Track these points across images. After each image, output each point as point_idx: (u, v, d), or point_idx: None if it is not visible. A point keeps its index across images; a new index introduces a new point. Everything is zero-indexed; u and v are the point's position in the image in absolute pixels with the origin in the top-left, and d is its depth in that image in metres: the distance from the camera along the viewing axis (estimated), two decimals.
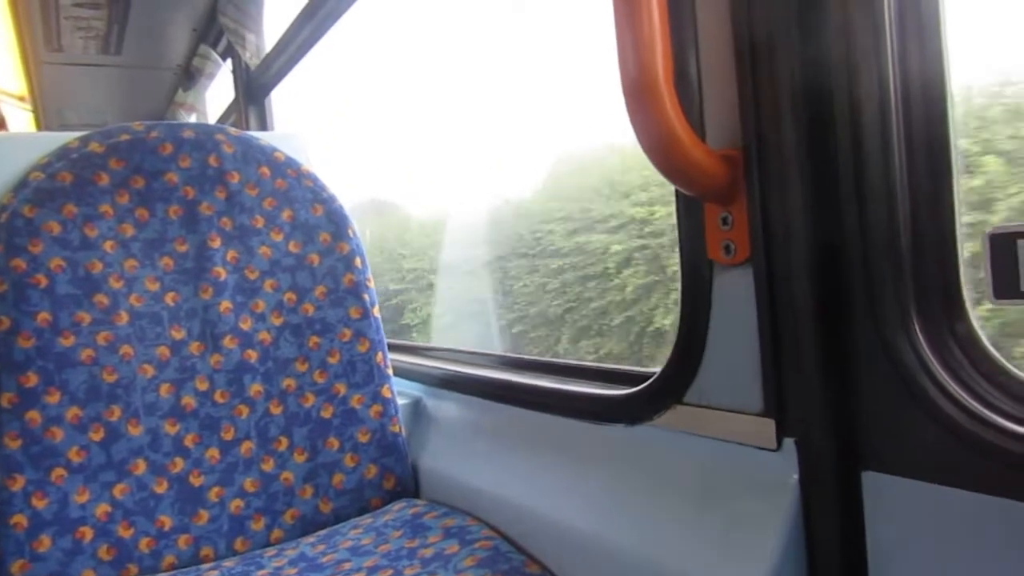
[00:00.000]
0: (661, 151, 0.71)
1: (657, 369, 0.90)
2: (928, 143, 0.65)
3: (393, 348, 1.45)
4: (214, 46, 2.74)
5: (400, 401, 1.38)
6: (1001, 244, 0.60)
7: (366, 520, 1.21)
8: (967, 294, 0.64)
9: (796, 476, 0.72)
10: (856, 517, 0.69)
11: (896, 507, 0.66)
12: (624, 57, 0.68)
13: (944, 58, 0.64)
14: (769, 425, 0.74)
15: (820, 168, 0.69)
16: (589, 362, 1.15)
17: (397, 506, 1.23)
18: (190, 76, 3.06)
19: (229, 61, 2.63)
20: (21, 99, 3.68)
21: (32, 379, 1.12)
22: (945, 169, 0.65)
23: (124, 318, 1.20)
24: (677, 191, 0.80)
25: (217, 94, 3.26)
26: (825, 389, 0.70)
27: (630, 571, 0.85)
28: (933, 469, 0.63)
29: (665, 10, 0.68)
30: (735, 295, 0.76)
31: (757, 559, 0.73)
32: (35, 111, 3.72)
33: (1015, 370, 0.62)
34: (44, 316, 1.15)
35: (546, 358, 1.27)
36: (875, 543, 0.68)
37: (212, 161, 1.32)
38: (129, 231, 1.25)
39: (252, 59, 2.35)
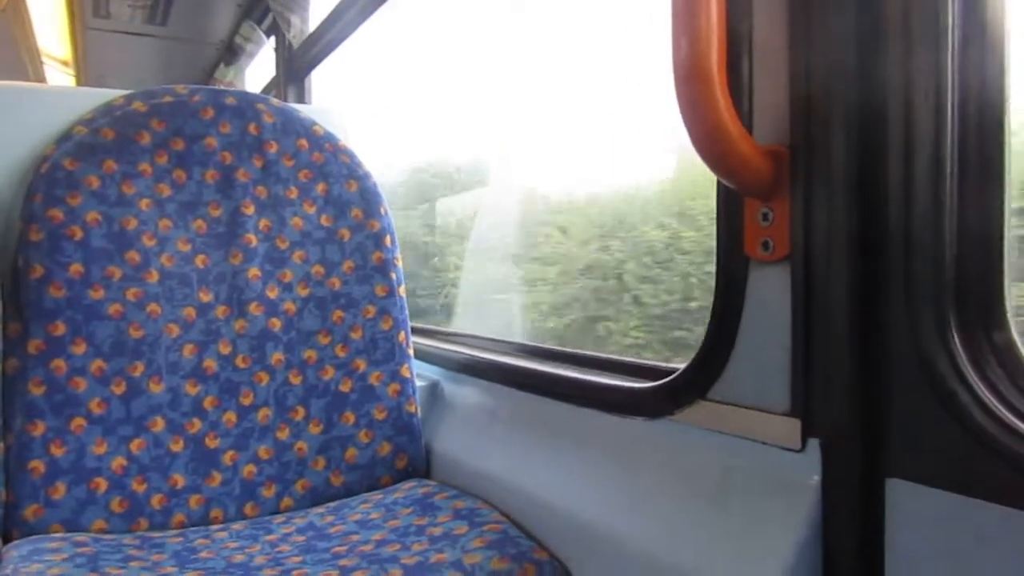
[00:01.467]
0: (707, 141, 0.71)
1: (681, 364, 0.90)
2: (981, 151, 0.64)
3: (414, 331, 1.46)
4: (259, 23, 2.77)
5: (418, 383, 1.38)
6: None
7: (376, 496, 1.21)
8: (1009, 304, 0.63)
9: (818, 478, 0.71)
10: (877, 524, 0.68)
11: (919, 516, 0.65)
12: (678, 43, 0.68)
13: (1005, 66, 0.64)
14: (795, 425, 0.73)
15: (866, 171, 0.68)
16: (610, 354, 1.14)
17: (408, 485, 1.23)
18: (232, 52, 3.09)
19: (272, 39, 2.65)
20: (64, 63, 3.74)
21: (60, 328, 1.14)
22: (997, 178, 0.64)
23: (154, 276, 1.21)
24: (719, 183, 0.80)
25: (255, 74, 3.29)
26: (855, 392, 0.69)
27: (641, 565, 0.84)
28: (961, 480, 0.62)
29: (723, 2, 0.68)
30: (769, 292, 0.76)
31: (772, 560, 0.72)
32: (77, 76, 3.77)
33: None
34: (76, 268, 1.16)
35: (567, 349, 1.26)
36: (894, 552, 0.67)
37: (252, 129, 1.33)
38: (165, 191, 1.26)
39: (295, 38, 2.37)
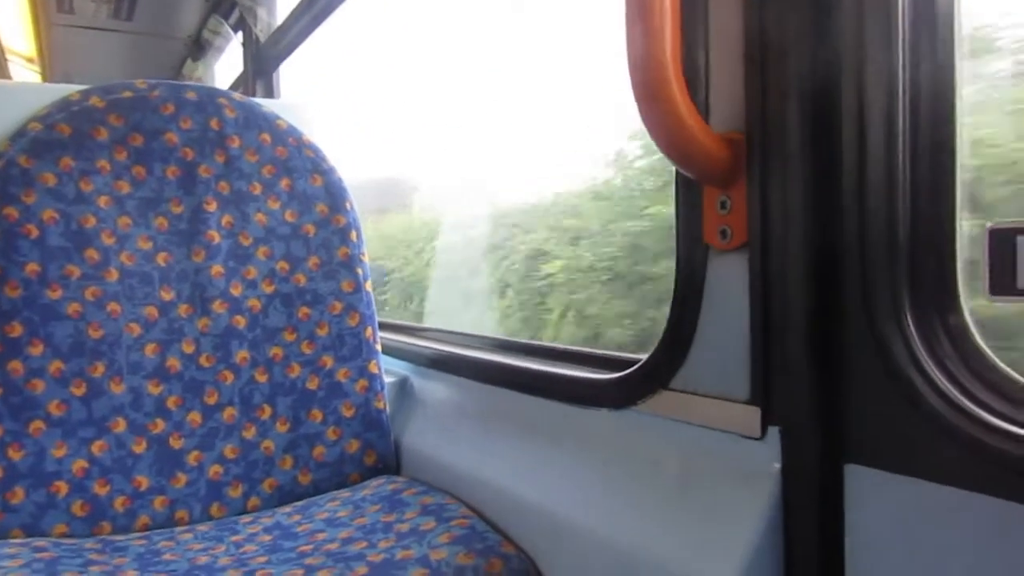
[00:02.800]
0: (663, 129, 0.70)
1: (645, 355, 0.89)
2: (932, 137, 0.64)
3: (383, 327, 1.44)
4: (226, 17, 2.73)
5: (387, 379, 1.37)
6: (1001, 240, 0.59)
7: (344, 493, 1.20)
8: (962, 288, 0.63)
9: (778, 465, 0.71)
10: (836, 509, 0.68)
11: (878, 500, 0.66)
12: (632, 32, 0.67)
13: (955, 54, 0.64)
14: (754, 413, 0.73)
15: (822, 156, 0.68)
16: (577, 346, 1.14)
17: (376, 482, 1.22)
18: (200, 47, 3.05)
19: (240, 34, 2.62)
20: (29, 60, 3.67)
21: (16, 329, 1.11)
22: (948, 164, 0.64)
23: (114, 275, 1.19)
24: (677, 172, 0.79)
25: (223, 69, 3.25)
26: (813, 379, 0.69)
27: (606, 555, 0.84)
28: (917, 464, 0.63)
29: None
30: (729, 280, 0.76)
31: (734, 547, 0.72)
32: (42, 73, 3.71)
33: (1005, 367, 0.61)
34: (33, 267, 1.14)
35: (535, 341, 1.26)
36: (854, 537, 0.68)
37: (213, 124, 1.31)
38: (125, 188, 1.24)
39: (262, 32, 2.34)
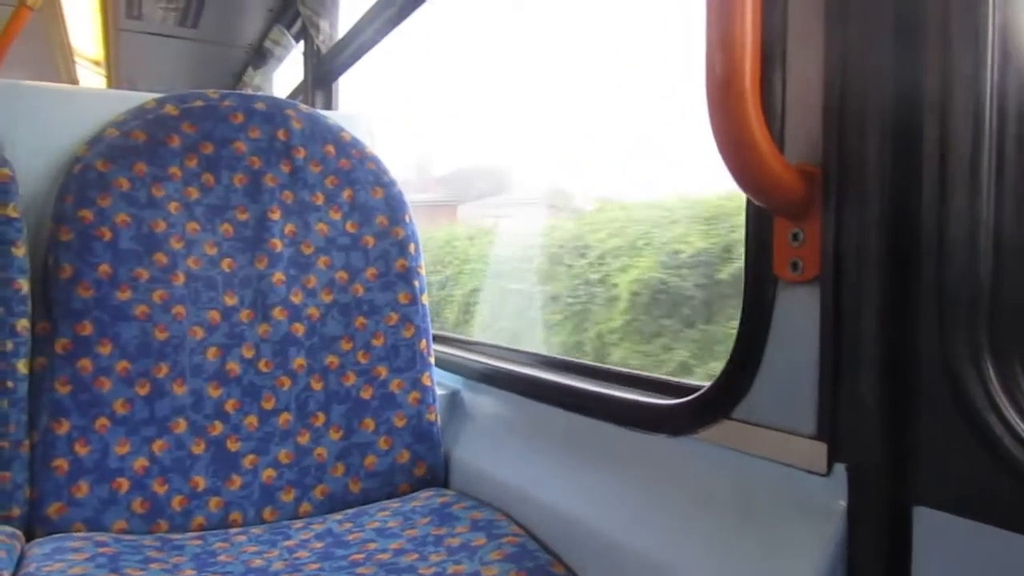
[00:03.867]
0: (738, 158, 0.70)
1: (705, 383, 0.89)
2: (1018, 177, 0.63)
3: (436, 339, 1.46)
4: (288, 28, 2.79)
5: (438, 391, 1.38)
6: None
7: (394, 504, 1.21)
8: None
9: (844, 504, 0.70)
10: (904, 552, 0.67)
11: (947, 546, 0.64)
12: (711, 57, 0.67)
13: None
14: (821, 449, 0.72)
15: (900, 192, 0.67)
16: (633, 370, 1.13)
17: (426, 494, 1.23)
18: (261, 56, 3.12)
19: (301, 44, 2.67)
20: (96, 63, 3.79)
21: (87, 328, 1.15)
22: None
23: (180, 279, 1.23)
24: (748, 202, 0.79)
25: (282, 78, 3.32)
26: (884, 417, 0.68)
27: None
28: (990, 510, 0.61)
29: (759, 15, 0.67)
30: (798, 313, 0.75)
31: None
32: (108, 76, 3.83)
33: None
34: (105, 268, 1.18)
35: (589, 362, 1.26)
36: None
37: (280, 135, 1.34)
38: (194, 195, 1.28)
39: (324, 44, 2.39)
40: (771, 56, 0.75)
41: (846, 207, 0.70)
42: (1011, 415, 0.61)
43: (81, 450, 1.12)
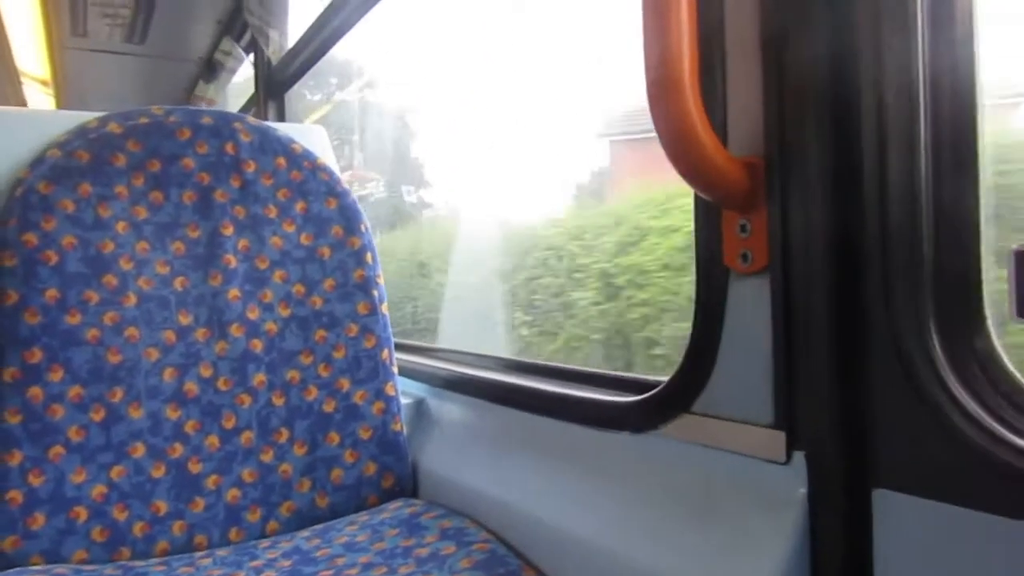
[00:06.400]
0: (681, 152, 0.70)
1: (665, 378, 0.89)
2: (955, 157, 0.64)
3: (398, 347, 1.44)
4: (238, 40, 2.76)
5: (403, 400, 1.37)
6: None
7: (362, 517, 1.19)
8: (989, 310, 0.63)
9: (804, 491, 0.71)
10: (865, 535, 0.68)
11: (907, 526, 0.65)
12: (650, 53, 0.67)
13: (975, 69, 0.64)
14: (779, 438, 0.72)
15: (843, 178, 0.68)
16: (595, 368, 1.13)
17: (394, 505, 1.21)
18: (212, 69, 3.08)
19: (252, 56, 2.64)
20: (44, 83, 3.71)
21: (36, 355, 1.12)
22: (971, 184, 0.64)
23: (132, 300, 1.20)
24: (696, 196, 0.79)
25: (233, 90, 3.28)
26: (839, 403, 0.68)
27: None
28: (947, 489, 0.62)
29: (694, 11, 0.67)
30: (750, 304, 0.75)
31: (760, 574, 0.71)
32: (56, 95, 3.75)
33: None
34: (52, 293, 1.14)
35: (552, 363, 1.26)
36: (883, 563, 0.67)
37: (229, 149, 1.32)
38: (142, 214, 1.25)
39: (274, 55, 2.36)
40: (709, 49, 0.75)
41: (791, 197, 0.71)
42: (961, 394, 0.62)
43: (35, 480, 1.09)
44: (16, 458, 1.08)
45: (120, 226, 1.22)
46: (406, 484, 1.30)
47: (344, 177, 1.44)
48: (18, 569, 1.04)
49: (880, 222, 0.66)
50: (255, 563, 1.07)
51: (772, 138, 0.72)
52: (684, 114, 0.68)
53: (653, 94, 0.68)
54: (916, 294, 0.64)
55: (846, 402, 0.68)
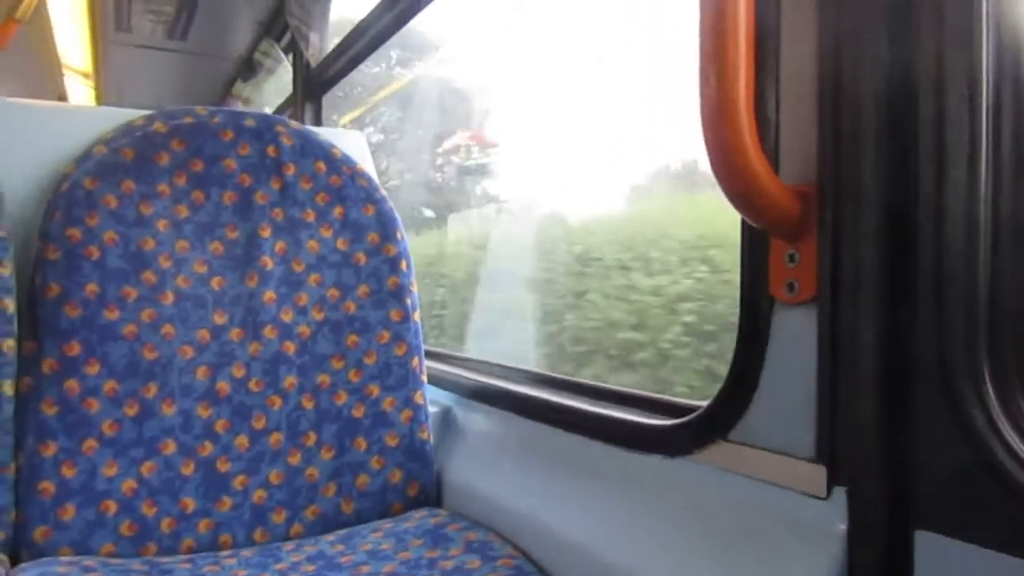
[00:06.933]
0: (732, 178, 0.70)
1: (703, 403, 0.88)
2: (1016, 199, 0.63)
3: (428, 355, 1.45)
4: (278, 40, 2.79)
5: (431, 409, 1.37)
6: None
7: (387, 524, 1.19)
8: None
9: (844, 527, 0.69)
10: None
11: (948, 570, 0.63)
12: (706, 81, 0.67)
13: None
14: (820, 472, 0.71)
15: (897, 210, 0.67)
16: (630, 388, 1.12)
17: (419, 514, 1.21)
18: (250, 68, 3.12)
19: (291, 57, 2.67)
20: (85, 76, 3.78)
21: (75, 348, 1.13)
22: None
23: (169, 298, 1.21)
24: (743, 222, 0.78)
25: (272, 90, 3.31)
26: (883, 440, 0.67)
27: None
28: (994, 535, 0.60)
29: (752, 37, 0.67)
30: (795, 334, 0.74)
31: None
32: (96, 88, 3.81)
33: None
34: (92, 287, 1.16)
35: (580, 379, 1.25)
36: None
37: (270, 151, 1.33)
38: (183, 212, 1.26)
39: (313, 57, 2.38)
40: (764, 76, 0.75)
41: (842, 227, 0.70)
42: (1012, 437, 0.61)
43: (68, 472, 1.10)
44: (51, 449, 1.10)
45: (161, 224, 1.24)
46: (431, 493, 1.30)
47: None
48: (47, 559, 1.05)
49: (935, 256, 0.65)
50: (280, 566, 1.08)
51: (825, 166, 0.71)
52: (737, 139, 0.67)
53: (707, 117, 0.68)
54: (970, 331, 0.63)
55: (892, 440, 0.67)
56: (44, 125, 1.30)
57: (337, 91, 2.50)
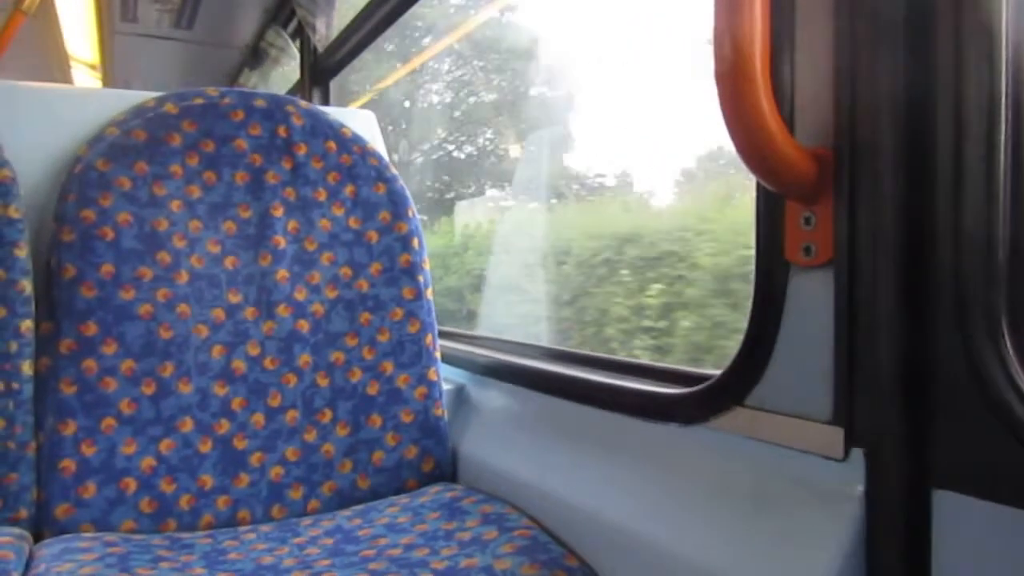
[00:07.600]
0: (748, 141, 0.69)
1: (714, 371, 0.88)
2: None
3: (441, 334, 1.45)
4: (284, 27, 2.78)
5: (445, 386, 1.38)
6: None
7: (403, 499, 1.20)
8: None
9: (862, 488, 0.70)
10: (923, 537, 0.66)
11: (967, 529, 0.64)
12: (720, 41, 0.67)
13: None
14: (837, 434, 0.71)
15: (913, 173, 0.67)
16: (641, 359, 1.13)
17: (435, 488, 1.22)
18: (257, 56, 3.11)
19: (297, 43, 2.67)
20: (92, 67, 3.78)
21: (92, 328, 1.14)
22: None
23: (184, 277, 1.22)
24: (758, 185, 0.78)
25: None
26: (901, 400, 0.67)
27: (674, 573, 0.83)
28: (1011, 492, 0.61)
29: None
30: (811, 297, 0.74)
31: (813, 572, 0.70)
32: (103, 79, 3.82)
33: None
34: (108, 268, 1.17)
35: (592, 352, 1.25)
36: (941, 566, 0.66)
37: (281, 131, 1.33)
38: (196, 193, 1.27)
39: (320, 43, 2.38)
40: (780, 37, 0.74)
41: (859, 190, 0.70)
42: None
43: (88, 450, 1.11)
44: (70, 428, 1.11)
45: (174, 204, 1.24)
46: (446, 468, 1.31)
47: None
48: (69, 536, 1.06)
49: (953, 217, 0.64)
50: (298, 540, 1.09)
51: (842, 129, 0.70)
52: (753, 101, 0.67)
53: (721, 79, 0.67)
54: (989, 292, 0.63)
55: (909, 399, 0.67)
56: (56, 108, 1.30)
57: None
